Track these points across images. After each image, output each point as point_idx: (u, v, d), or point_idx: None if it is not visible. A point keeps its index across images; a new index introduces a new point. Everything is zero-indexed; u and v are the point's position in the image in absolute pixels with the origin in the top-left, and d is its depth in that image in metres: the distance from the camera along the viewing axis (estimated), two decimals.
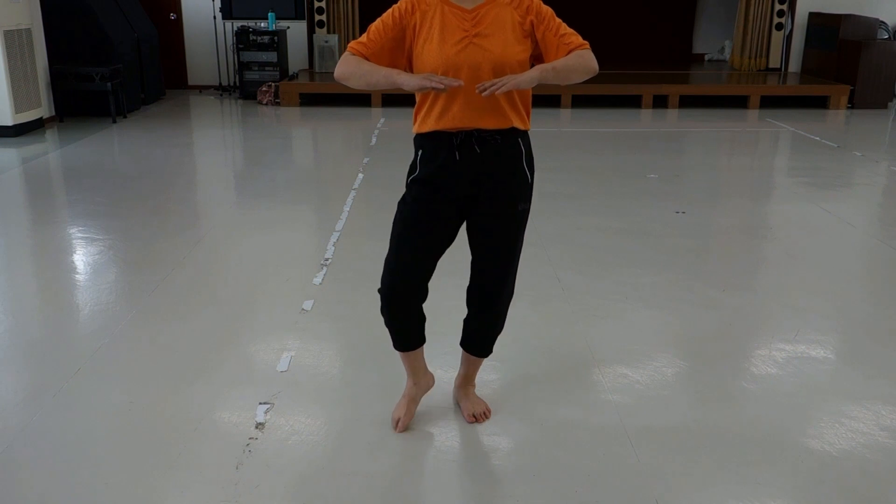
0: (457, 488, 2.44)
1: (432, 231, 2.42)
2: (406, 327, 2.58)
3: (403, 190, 2.48)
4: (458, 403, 2.79)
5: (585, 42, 2.31)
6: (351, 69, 2.29)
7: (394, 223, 2.47)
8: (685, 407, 2.85)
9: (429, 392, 2.78)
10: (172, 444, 2.59)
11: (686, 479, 2.43)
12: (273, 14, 10.12)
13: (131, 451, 2.55)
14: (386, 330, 2.61)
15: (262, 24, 10.14)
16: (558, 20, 2.33)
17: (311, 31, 10.43)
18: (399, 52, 2.33)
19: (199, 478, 2.42)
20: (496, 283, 2.52)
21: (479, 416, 2.72)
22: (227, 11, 10.49)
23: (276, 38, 9.84)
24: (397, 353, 2.66)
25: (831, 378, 3.10)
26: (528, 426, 2.71)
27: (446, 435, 2.65)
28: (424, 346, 2.67)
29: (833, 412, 2.81)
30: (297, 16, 10.55)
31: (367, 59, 2.30)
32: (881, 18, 10.04)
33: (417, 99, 2.38)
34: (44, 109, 7.84)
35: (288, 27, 10.41)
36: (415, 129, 2.39)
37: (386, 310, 2.52)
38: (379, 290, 2.51)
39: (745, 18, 10.55)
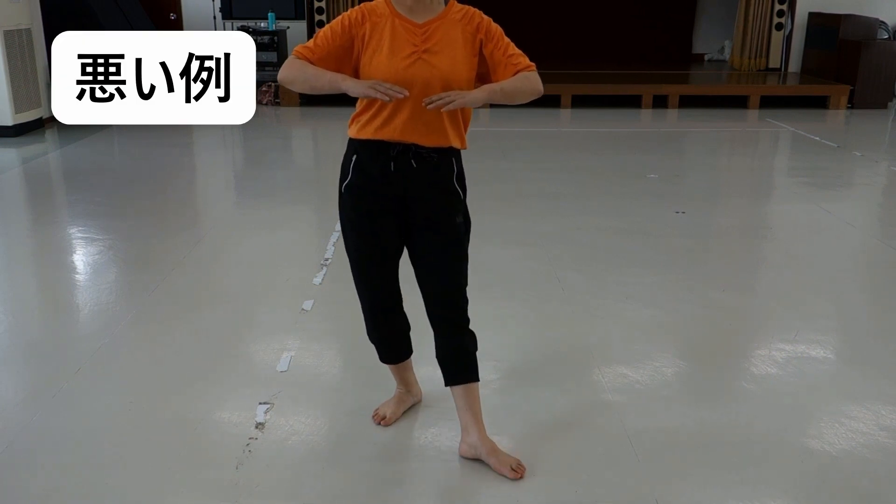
0: (457, 488, 2.44)
1: (381, 242, 2.45)
2: (395, 339, 2.65)
3: None
4: (482, 461, 2.50)
5: (532, 64, 2.33)
6: (295, 73, 2.29)
7: (345, 245, 2.51)
8: (685, 407, 2.85)
9: (417, 405, 2.80)
10: (172, 444, 2.59)
11: (686, 479, 2.43)
12: (273, 14, 10.12)
13: (131, 451, 2.55)
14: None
15: (262, 24, 10.14)
16: (507, 39, 2.34)
17: (311, 32, 10.42)
18: (345, 61, 2.32)
19: (199, 478, 2.42)
20: (452, 294, 2.43)
21: (518, 468, 2.43)
22: (227, 11, 10.48)
23: (276, 38, 9.83)
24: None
25: (831, 378, 3.10)
26: (528, 426, 2.70)
27: (446, 435, 2.65)
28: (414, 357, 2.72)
29: (833, 412, 2.81)
30: (297, 16, 10.55)
31: (312, 63, 2.29)
32: (881, 18, 10.03)
33: (361, 104, 2.35)
34: (44, 109, 7.83)
35: (288, 27, 10.40)
36: (351, 134, 2.38)
37: (373, 327, 2.60)
38: (363, 311, 2.58)
39: (745, 18, 10.54)
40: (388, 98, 2.14)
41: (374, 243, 2.45)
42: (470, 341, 2.49)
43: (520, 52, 2.34)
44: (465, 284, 2.47)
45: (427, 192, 2.38)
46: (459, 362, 2.48)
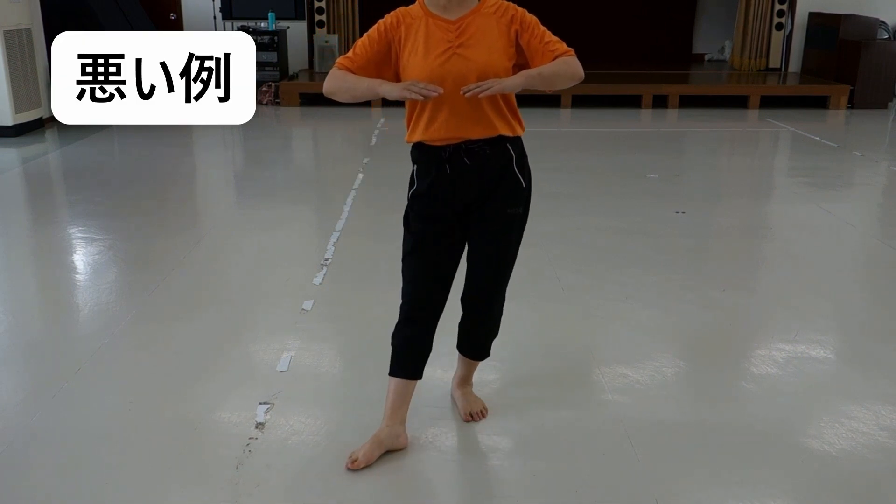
0: (456, 488, 2.44)
1: (439, 248, 2.44)
2: (417, 349, 2.52)
3: (403, 190, 2.49)
4: (455, 403, 2.79)
5: (570, 49, 2.32)
6: (337, 84, 2.32)
7: (404, 242, 2.48)
8: (685, 407, 2.85)
9: (399, 448, 2.54)
10: (172, 444, 2.59)
11: (686, 479, 2.43)
12: (273, 14, 10.11)
13: (131, 451, 2.55)
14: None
15: (262, 24, 10.13)
16: (543, 28, 2.34)
17: (311, 31, 10.43)
18: (385, 66, 2.35)
19: (199, 478, 2.42)
20: (488, 288, 2.53)
21: (476, 414, 2.72)
22: (227, 11, 10.48)
23: (276, 38, 9.83)
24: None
25: (831, 378, 3.10)
26: (528, 426, 2.71)
27: (446, 435, 2.65)
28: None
29: (833, 412, 2.81)
30: (297, 16, 10.54)
31: (353, 73, 2.32)
32: (881, 18, 10.03)
33: (408, 109, 2.40)
34: (44, 109, 7.83)
35: (288, 27, 10.40)
36: (408, 139, 2.42)
37: (407, 328, 2.49)
38: (401, 307, 2.50)
39: (745, 18, 10.54)
40: (422, 97, 2.16)
41: (428, 247, 2.43)
42: (490, 329, 2.66)
43: (557, 38, 2.33)
44: (504, 281, 2.55)
45: (484, 187, 2.39)
46: (473, 344, 2.70)
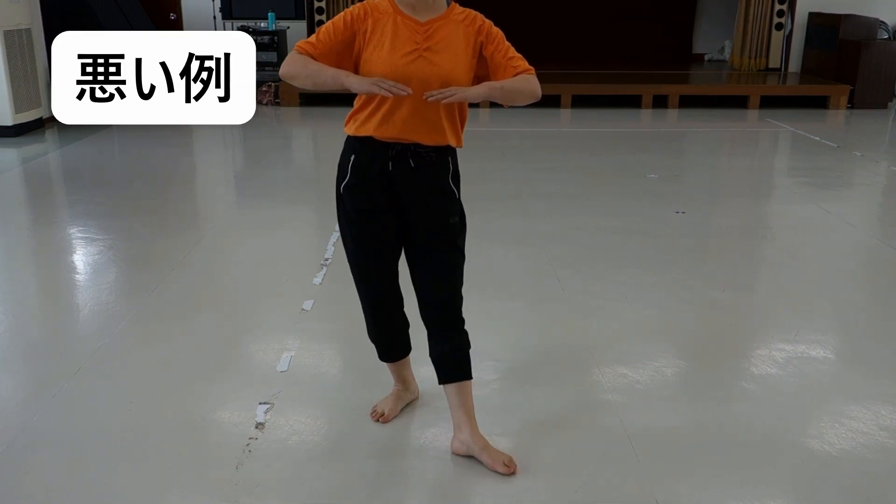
0: (456, 488, 2.44)
1: (380, 241, 2.46)
2: (394, 338, 2.67)
3: None
4: (475, 458, 2.50)
5: (531, 67, 2.35)
6: (297, 69, 2.29)
7: (344, 244, 2.52)
8: (685, 407, 2.85)
9: (415, 402, 2.81)
10: (172, 444, 2.59)
11: (686, 480, 2.43)
12: (273, 14, 10.12)
13: (131, 451, 2.55)
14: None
15: (262, 24, 10.14)
16: (507, 43, 2.36)
17: (311, 31, 10.42)
18: (346, 56, 2.33)
19: (199, 478, 2.42)
20: (450, 298, 2.47)
21: (510, 463, 2.44)
22: (227, 11, 10.48)
23: (276, 38, 9.83)
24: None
25: (831, 378, 3.10)
26: (528, 426, 2.71)
27: (445, 435, 2.64)
28: (413, 355, 2.75)
29: (833, 412, 2.81)
30: (297, 16, 10.55)
31: (314, 59, 2.30)
32: (881, 18, 10.03)
33: (360, 101, 2.36)
34: (44, 109, 7.83)
35: (288, 27, 10.40)
36: (349, 131, 2.39)
37: (373, 327, 2.63)
38: (364, 311, 2.60)
39: (745, 18, 10.54)
40: (390, 94, 2.16)
41: (371, 243, 2.46)
42: (463, 341, 2.51)
43: (520, 55, 2.36)
44: (460, 286, 2.50)
45: (423, 193, 2.39)
46: (453, 362, 2.49)
